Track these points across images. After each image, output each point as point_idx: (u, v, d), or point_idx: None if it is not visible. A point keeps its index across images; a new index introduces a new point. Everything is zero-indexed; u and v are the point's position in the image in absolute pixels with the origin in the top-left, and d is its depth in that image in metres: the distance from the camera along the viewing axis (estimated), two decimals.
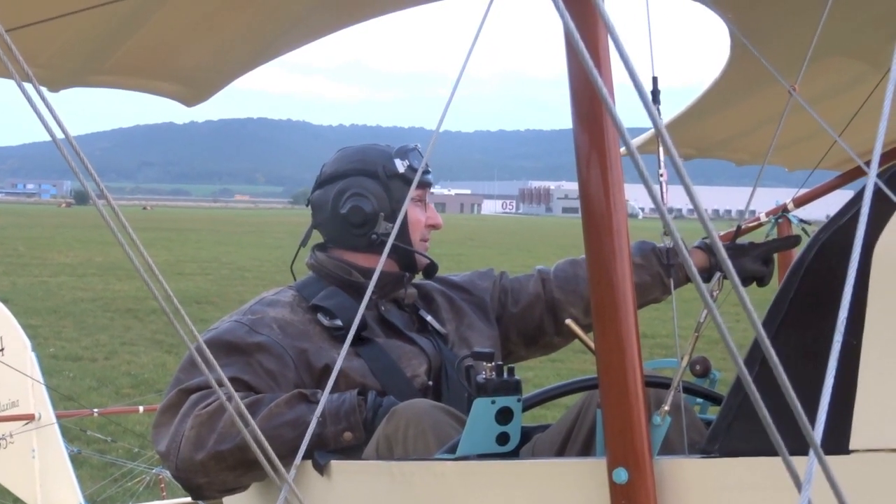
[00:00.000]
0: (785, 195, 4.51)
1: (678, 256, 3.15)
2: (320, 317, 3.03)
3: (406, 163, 3.16)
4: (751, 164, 4.77)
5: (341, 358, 1.81)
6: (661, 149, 2.37)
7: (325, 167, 3.25)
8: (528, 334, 3.44)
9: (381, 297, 3.15)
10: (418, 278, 3.33)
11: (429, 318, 3.23)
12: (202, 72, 2.79)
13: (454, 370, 3.01)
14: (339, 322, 3.00)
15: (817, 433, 0.95)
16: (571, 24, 0.93)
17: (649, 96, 0.94)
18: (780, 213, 4.32)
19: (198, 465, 2.74)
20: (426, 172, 3.19)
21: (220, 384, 2.78)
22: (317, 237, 3.31)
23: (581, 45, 0.91)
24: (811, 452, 0.95)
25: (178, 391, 2.85)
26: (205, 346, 1.41)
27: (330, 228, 3.20)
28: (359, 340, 2.99)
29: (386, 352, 3.01)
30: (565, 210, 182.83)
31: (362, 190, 3.14)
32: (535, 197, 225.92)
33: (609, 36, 0.95)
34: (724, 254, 0.97)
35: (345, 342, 2.92)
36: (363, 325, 3.02)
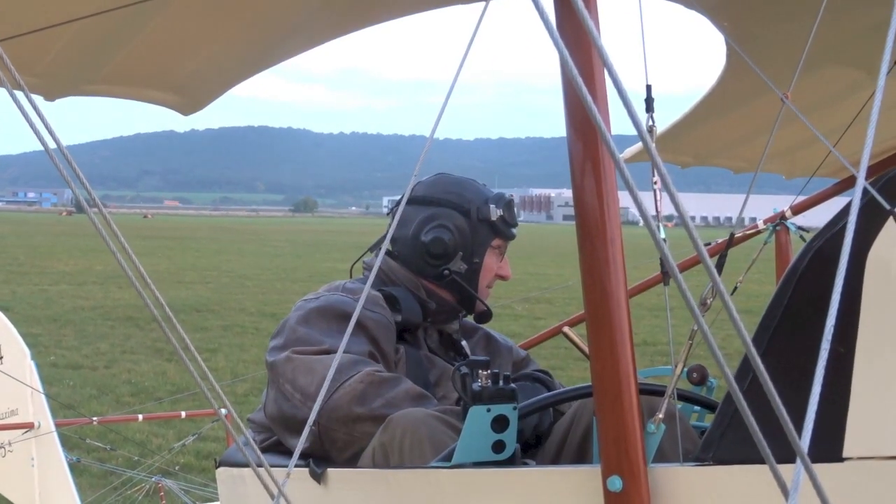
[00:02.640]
0: (783, 202, 4.51)
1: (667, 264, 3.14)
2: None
3: (500, 212, 3.19)
4: (748, 172, 4.78)
5: (344, 341, 1.80)
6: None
7: (418, 186, 3.26)
8: None
9: (432, 322, 3.21)
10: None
11: (464, 342, 3.30)
12: (197, 81, 2.80)
13: (451, 378, 3.02)
14: (399, 317, 3.05)
15: (804, 441, 0.95)
16: (565, 50, 0.94)
17: (643, 124, 0.95)
18: (778, 220, 4.32)
19: (351, 418, 2.70)
20: (513, 226, 3.25)
21: (371, 357, 2.80)
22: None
23: (575, 71, 0.92)
24: (798, 460, 0.95)
25: (322, 349, 2.84)
26: (193, 350, 1.41)
27: (405, 248, 3.21)
28: (405, 341, 3.07)
29: (422, 363, 3.05)
30: (566, 218, 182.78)
31: (450, 224, 3.16)
32: (536, 204, 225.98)
33: (603, 60, 0.95)
34: (711, 266, 0.97)
35: (402, 337, 3.00)
36: (413, 328, 3.09)
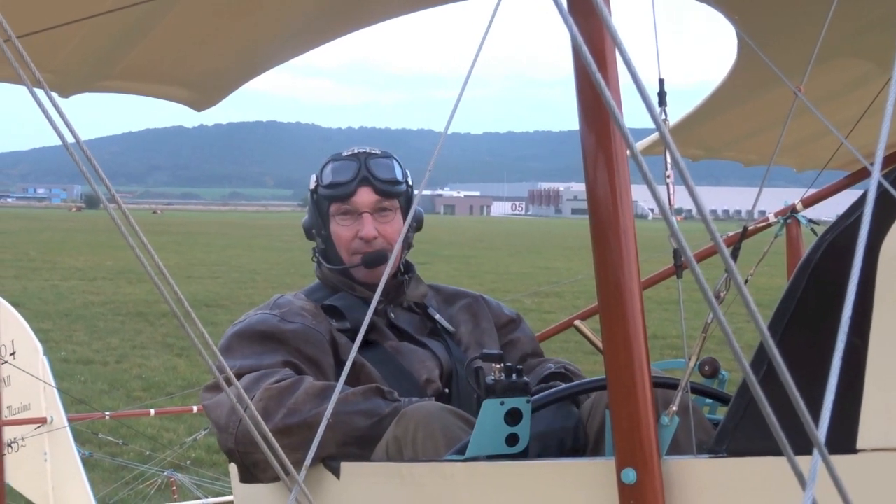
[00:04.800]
0: (794, 195, 4.51)
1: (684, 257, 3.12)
2: (329, 319, 3.04)
3: (315, 179, 3.11)
4: (759, 165, 4.78)
5: (353, 354, 1.82)
6: (667, 151, 2.38)
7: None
8: None
9: (387, 303, 3.15)
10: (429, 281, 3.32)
11: (437, 316, 3.21)
12: (211, 77, 2.81)
13: (464, 373, 3.02)
14: (347, 324, 3.01)
15: (821, 432, 0.95)
16: (578, 36, 0.94)
17: (657, 109, 0.95)
18: (789, 213, 4.33)
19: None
20: (339, 185, 3.06)
21: (285, 365, 2.79)
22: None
23: (588, 55, 0.92)
24: (815, 451, 0.96)
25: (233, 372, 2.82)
26: (212, 344, 1.42)
27: None
28: (366, 344, 2.98)
29: (392, 355, 3.01)
30: (574, 211, 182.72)
31: (308, 204, 3.18)
32: (545, 198, 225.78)
33: (616, 49, 0.96)
34: (728, 257, 0.97)
35: (353, 342, 2.94)
36: (371, 328, 3.01)
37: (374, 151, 3.11)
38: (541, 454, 2.50)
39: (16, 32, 1.32)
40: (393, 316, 3.14)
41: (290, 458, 2.72)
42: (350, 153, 3.10)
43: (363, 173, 3.05)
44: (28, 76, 1.35)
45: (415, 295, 3.22)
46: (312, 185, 3.11)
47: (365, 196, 3.06)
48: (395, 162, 3.12)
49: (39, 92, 1.37)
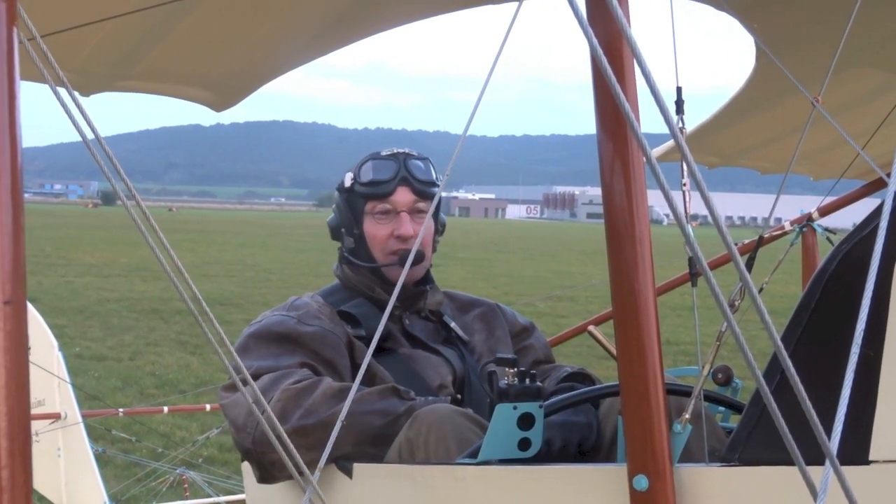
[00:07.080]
0: (810, 204, 4.51)
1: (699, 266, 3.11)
2: (345, 324, 3.05)
3: (352, 177, 3.11)
4: (775, 173, 4.77)
5: (366, 362, 1.83)
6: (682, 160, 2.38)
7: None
8: None
9: (404, 309, 3.16)
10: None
11: (452, 324, 3.22)
12: (230, 78, 2.83)
13: (477, 379, 3.02)
14: (362, 332, 3.03)
15: (833, 443, 0.96)
16: (597, 44, 0.95)
17: (674, 118, 0.96)
18: (805, 221, 4.32)
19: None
20: (379, 184, 3.08)
21: (302, 367, 2.80)
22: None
23: (606, 65, 0.93)
24: (827, 462, 0.96)
25: (251, 372, 2.78)
26: (229, 343, 1.43)
27: None
28: (380, 351, 2.99)
29: (406, 362, 3.02)
30: (590, 216, 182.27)
31: (335, 204, 3.19)
32: (560, 202, 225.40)
33: (633, 51, 0.96)
34: (743, 267, 0.98)
35: (367, 350, 2.94)
36: (385, 336, 3.02)
37: (412, 153, 3.15)
38: (565, 446, 2.51)
39: (39, 32, 1.33)
40: (408, 323, 3.15)
41: (305, 457, 2.71)
42: (389, 153, 3.13)
43: (402, 173, 3.09)
44: (51, 75, 1.37)
45: (431, 303, 3.23)
46: (348, 182, 3.12)
47: (404, 196, 3.09)
48: (430, 165, 3.17)
49: (62, 91, 1.38)
